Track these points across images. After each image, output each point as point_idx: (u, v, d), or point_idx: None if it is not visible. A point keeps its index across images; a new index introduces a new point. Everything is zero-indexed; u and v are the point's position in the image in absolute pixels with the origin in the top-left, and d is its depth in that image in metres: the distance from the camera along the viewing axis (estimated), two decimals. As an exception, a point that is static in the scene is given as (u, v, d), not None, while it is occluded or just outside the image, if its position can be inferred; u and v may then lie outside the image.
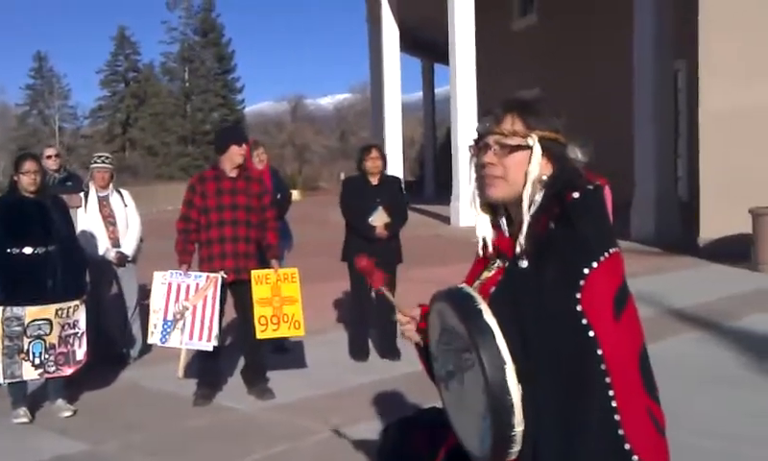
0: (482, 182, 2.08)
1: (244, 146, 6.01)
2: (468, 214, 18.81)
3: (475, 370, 1.82)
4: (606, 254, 1.89)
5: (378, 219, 6.83)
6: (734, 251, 11.69)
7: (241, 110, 62.38)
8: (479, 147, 2.09)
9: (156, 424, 5.58)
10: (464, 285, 2.01)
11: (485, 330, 1.82)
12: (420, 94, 38.14)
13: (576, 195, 1.91)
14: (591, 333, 1.84)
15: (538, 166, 1.99)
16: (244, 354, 6.31)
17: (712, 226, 12.54)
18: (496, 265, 2.11)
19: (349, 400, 5.87)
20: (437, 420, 2.27)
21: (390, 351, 6.95)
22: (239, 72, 63.08)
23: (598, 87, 18.95)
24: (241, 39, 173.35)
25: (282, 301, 6.11)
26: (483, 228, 2.15)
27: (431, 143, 36.65)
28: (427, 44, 30.87)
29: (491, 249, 2.13)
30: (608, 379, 1.83)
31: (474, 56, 19.01)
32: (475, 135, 2.11)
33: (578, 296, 1.86)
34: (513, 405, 1.78)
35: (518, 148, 2.00)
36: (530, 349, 1.86)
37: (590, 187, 1.93)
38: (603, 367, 1.83)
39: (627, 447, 1.84)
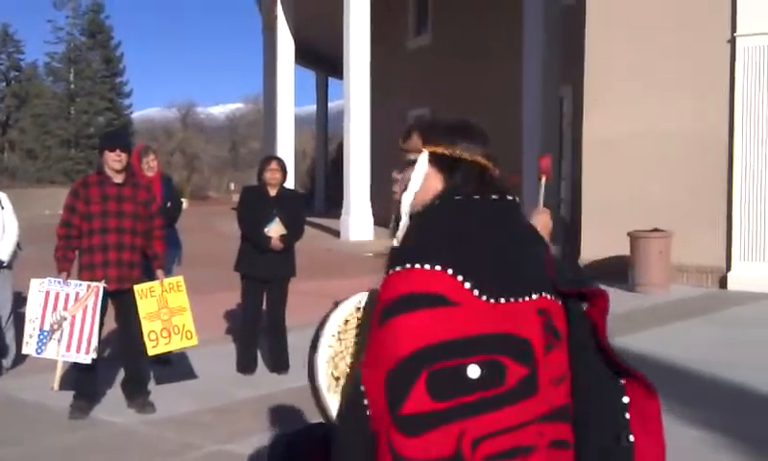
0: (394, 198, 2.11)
1: (119, 152, 5.76)
2: (359, 228, 18.96)
3: None
4: (407, 265, 1.91)
5: (274, 230, 6.76)
6: (613, 271, 12.13)
7: (128, 115, 60.65)
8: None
9: (30, 438, 5.33)
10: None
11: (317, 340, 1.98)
12: (312, 107, 38.15)
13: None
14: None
15: (419, 176, 2.01)
16: (124, 366, 6.10)
17: (593, 247, 12.99)
18: None
19: (235, 415, 5.76)
20: (329, 435, 2.22)
21: (279, 365, 6.87)
22: (127, 76, 61.07)
23: (488, 109, 19.41)
24: (130, 43, 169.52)
25: (171, 312, 5.96)
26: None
27: (323, 157, 36.69)
28: (322, 57, 30.95)
29: None
30: (362, 388, 1.90)
31: (368, 72, 19.15)
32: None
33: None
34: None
35: (416, 163, 2.04)
36: None
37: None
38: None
39: None
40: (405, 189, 2.05)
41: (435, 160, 2.01)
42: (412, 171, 2.04)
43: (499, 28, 18.91)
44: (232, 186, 51.12)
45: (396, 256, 1.86)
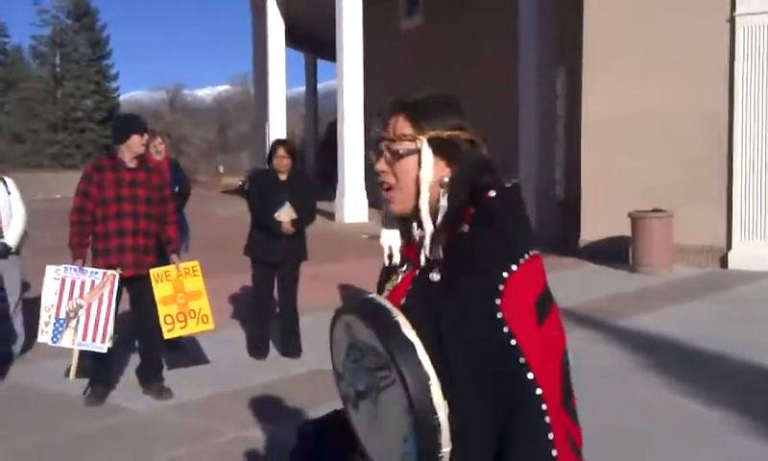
0: (382, 193, 1.88)
1: (145, 135, 5.78)
2: (354, 210, 18.91)
3: (394, 389, 1.64)
4: (526, 256, 1.73)
5: (285, 214, 6.69)
6: (614, 252, 12.15)
7: (116, 98, 60.18)
8: (376, 154, 1.88)
9: (45, 427, 5.29)
10: (374, 295, 1.82)
11: (404, 345, 1.64)
12: (298, 89, 37.95)
13: (493, 193, 1.77)
14: (514, 342, 1.67)
15: (430, 170, 1.79)
16: (140, 352, 6.05)
17: (593, 228, 13.00)
18: (404, 272, 1.89)
19: (253, 400, 5.72)
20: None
21: (291, 349, 6.84)
22: (114, 58, 60.60)
23: (482, 90, 19.37)
24: (117, 25, 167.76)
25: (187, 296, 5.92)
26: (387, 236, 1.91)
27: (313, 139, 36.54)
28: (311, 39, 30.74)
29: (396, 258, 1.90)
30: (539, 391, 1.67)
31: (362, 53, 19.06)
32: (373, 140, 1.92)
33: (498, 302, 1.69)
34: (440, 424, 1.62)
35: (409, 153, 1.81)
36: (451, 364, 1.68)
37: (508, 185, 1.81)
38: (530, 376, 1.68)
39: None
40: (399, 189, 1.83)
41: (436, 147, 1.81)
42: (402, 164, 1.82)
43: (493, 7, 18.82)
44: (221, 169, 50.85)
45: (522, 245, 1.76)
